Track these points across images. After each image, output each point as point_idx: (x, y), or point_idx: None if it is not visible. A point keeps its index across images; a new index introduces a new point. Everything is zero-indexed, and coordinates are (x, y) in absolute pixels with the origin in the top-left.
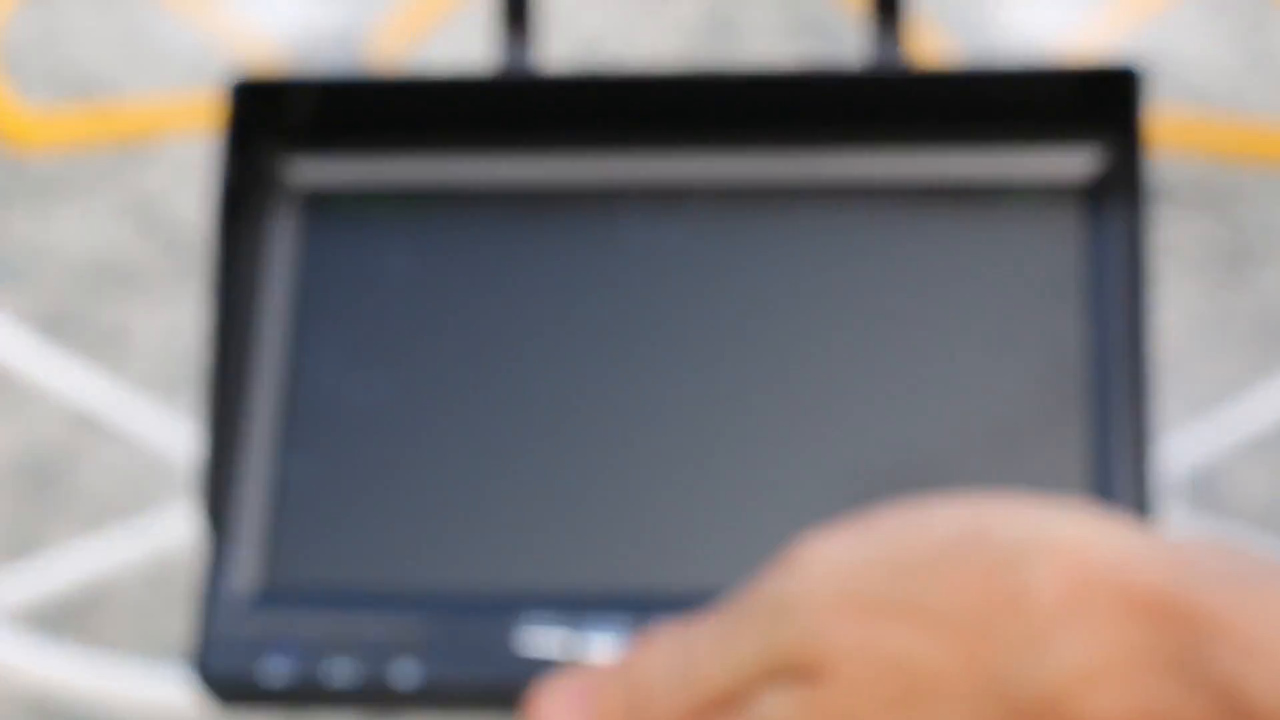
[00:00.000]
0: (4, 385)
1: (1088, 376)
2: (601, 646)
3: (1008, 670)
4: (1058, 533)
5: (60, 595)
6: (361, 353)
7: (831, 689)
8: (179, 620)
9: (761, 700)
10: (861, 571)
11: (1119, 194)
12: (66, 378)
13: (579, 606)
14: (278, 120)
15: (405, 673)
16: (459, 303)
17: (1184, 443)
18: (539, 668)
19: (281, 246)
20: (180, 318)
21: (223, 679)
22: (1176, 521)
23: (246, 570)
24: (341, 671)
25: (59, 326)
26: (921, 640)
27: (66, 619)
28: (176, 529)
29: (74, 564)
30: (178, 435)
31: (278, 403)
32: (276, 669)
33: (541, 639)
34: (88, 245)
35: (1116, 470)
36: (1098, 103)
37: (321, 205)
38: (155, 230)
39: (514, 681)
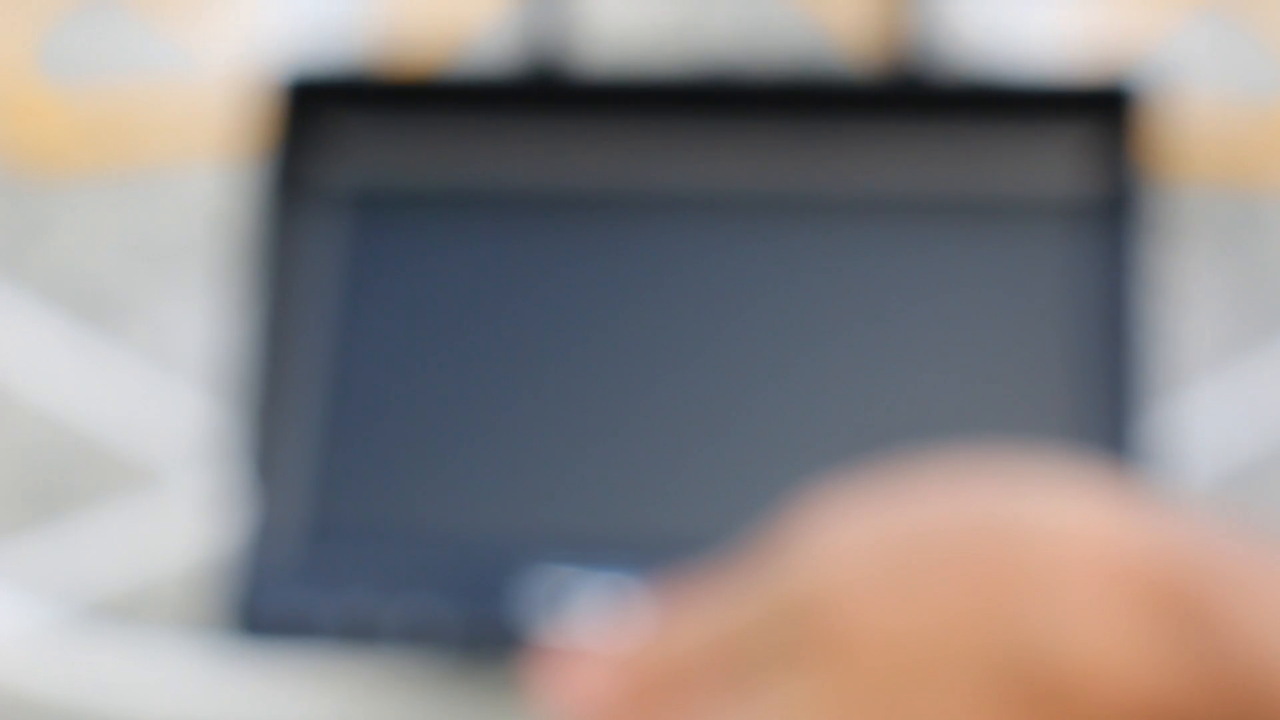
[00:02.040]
0: (12, 391)
1: (1074, 378)
2: (613, 588)
3: (1021, 653)
4: (1072, 518)
5: (68, 598)
6: (399, 330)
7: (848, 672)
8: (187, 621)
9: (775, 683)
10: (879, 560)
11: (1118, 205)
12: (66, 382)
13: (593, 551)
14: (326, 119)
15: (440, 614)
16: (487, 289)
17: (1220, 442)
18: (556, 612)
19: (328, 237)
20: (201, 327)
21: (269, 620)
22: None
23: (290, 519)
24: (387, 612)
25: (60, 334)
26: (936, 626)
27: (75, 620)
28: (181, 531)
29: (82, 567)
30: (191, 437)
31: (323, 375)
32: (322, 609)
33: (561, 582)
34: (106, 260)
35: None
36: (1097, 116)
37: (366, 199)
38: (174, 247)
39: (525, 626)
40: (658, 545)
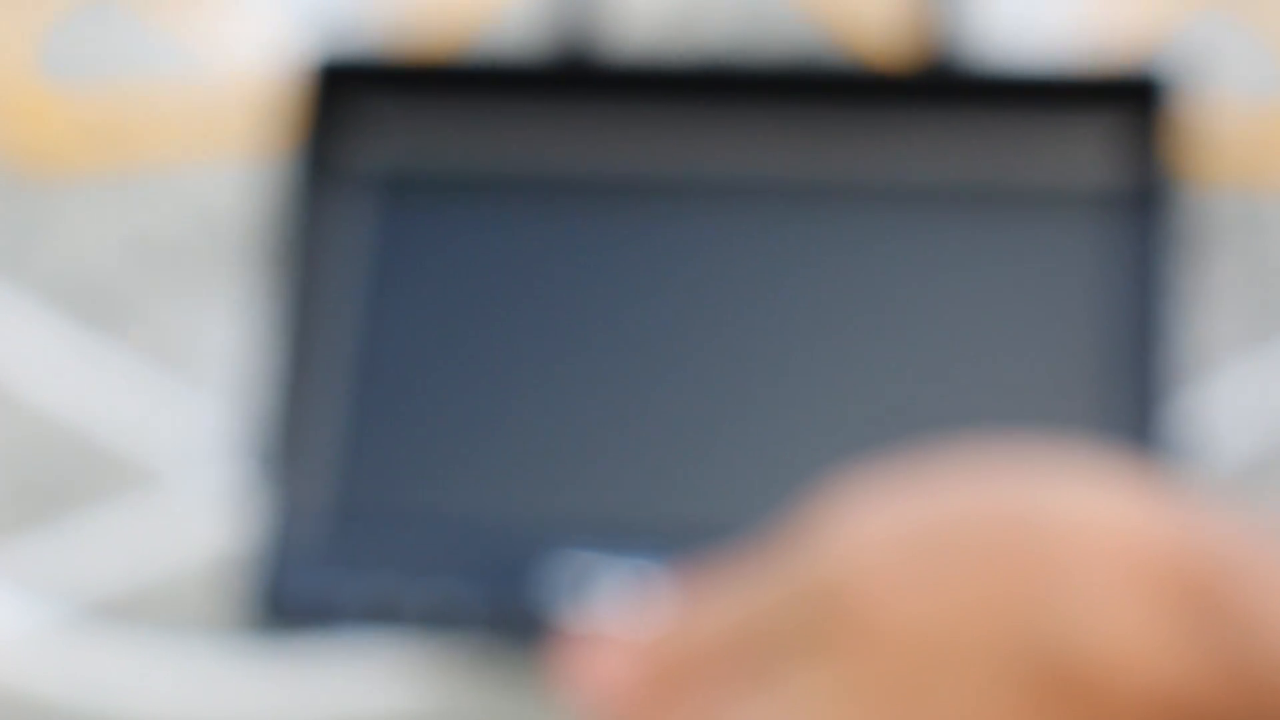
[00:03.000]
0: (12, 391)
1: (1097, 369)
2: (636, 573)
3: (1043, 643)
4: (1096, 509)
5: (72, 596)
6: (425, 313)
7: (870, 659)
8: (189, 622)
9: (794, 667)
10: (903, 548)
11: (1141, 197)
12: (70, 378)
13: (616, 536)
14: (356, 102)
15: (464, 597)
16: (514, 273)
17: (1226, 443)
18: (578, 597)
19: (354, 220)
20: (201, 327)
21: (292, 600)
22: None
23: (318, 505)
24: (411, 594)
25: (63, 330)
26: (958, 614)
27: (76, 620)
28: (195, 525)
29: (86, 564)
30: (192, 437)
31: (349, 358)
32: (346, 591)
33: (584, 567)
34: (107, 260)
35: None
36: (1123, 107)
37: (393, 183)
38: (175, 247)
39: (563, 612)
40: (682, 531)
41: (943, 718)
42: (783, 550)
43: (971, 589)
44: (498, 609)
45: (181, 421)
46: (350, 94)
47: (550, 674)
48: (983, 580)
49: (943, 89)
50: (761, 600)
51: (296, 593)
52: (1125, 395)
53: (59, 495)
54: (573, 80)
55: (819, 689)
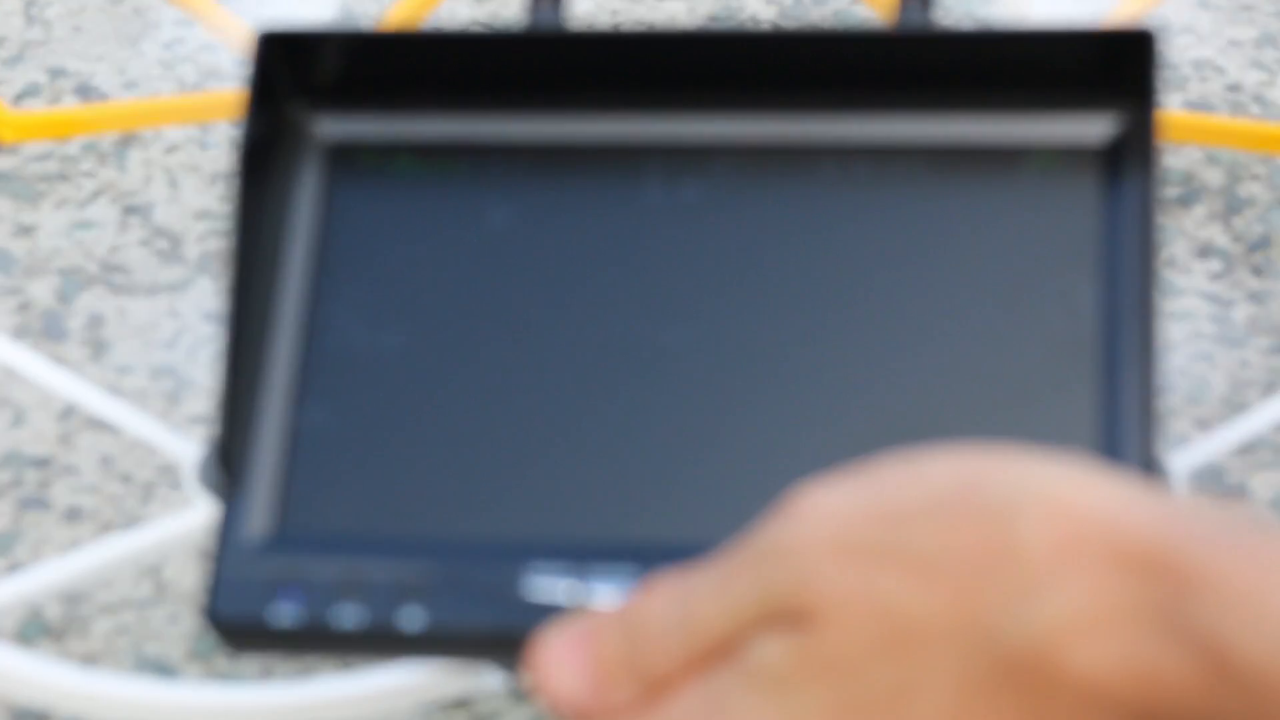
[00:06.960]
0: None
1: (1098, 338)
2: (605, 596)
3: (996, 620)
4: (1051, 483)
5: (47, 599)
6: (379, 305)
7: (823, 634)
8: (170, 623)
9: (754, 645)
10: (855, 519)
11: (1134, 158)
12: (49, 377)
13: (585, 556)
14: (303, 72)
15: (411, 618)
16: (477, 258)
17: (1185, 446)
18: (543, 615)
19: (303, 198)
20: (166, 315)
21: (231, 622)
22: None
23: (257, 515)
24: (349, 615)
25: (42, 324)
26: (912, 588)
27: (53, 623)
28: (166, 530)
29: (62, 568)
30: (162, 433)
31: (294, 352)
32: (284, 612)
33: (547, 587)
34: (71, 242)
35: (1124, 432)
36: (1115, 66)
37: (345, 159)
38: (140, 228)
39: (518, 628)
40: (657, 554)
41: (903, 696)
42: (742, 540)
43: (928, 565)
44: (469, 633)
45: (160, 427)
46: (306, 61)
47: (527, 694)
48: (947, 558)
49: (930, 50)
50: (722, 579)
51: (241, 617)
52: (1126, 354)
53: (41, 494)
54: (536, 45)
55: (772, 667)
